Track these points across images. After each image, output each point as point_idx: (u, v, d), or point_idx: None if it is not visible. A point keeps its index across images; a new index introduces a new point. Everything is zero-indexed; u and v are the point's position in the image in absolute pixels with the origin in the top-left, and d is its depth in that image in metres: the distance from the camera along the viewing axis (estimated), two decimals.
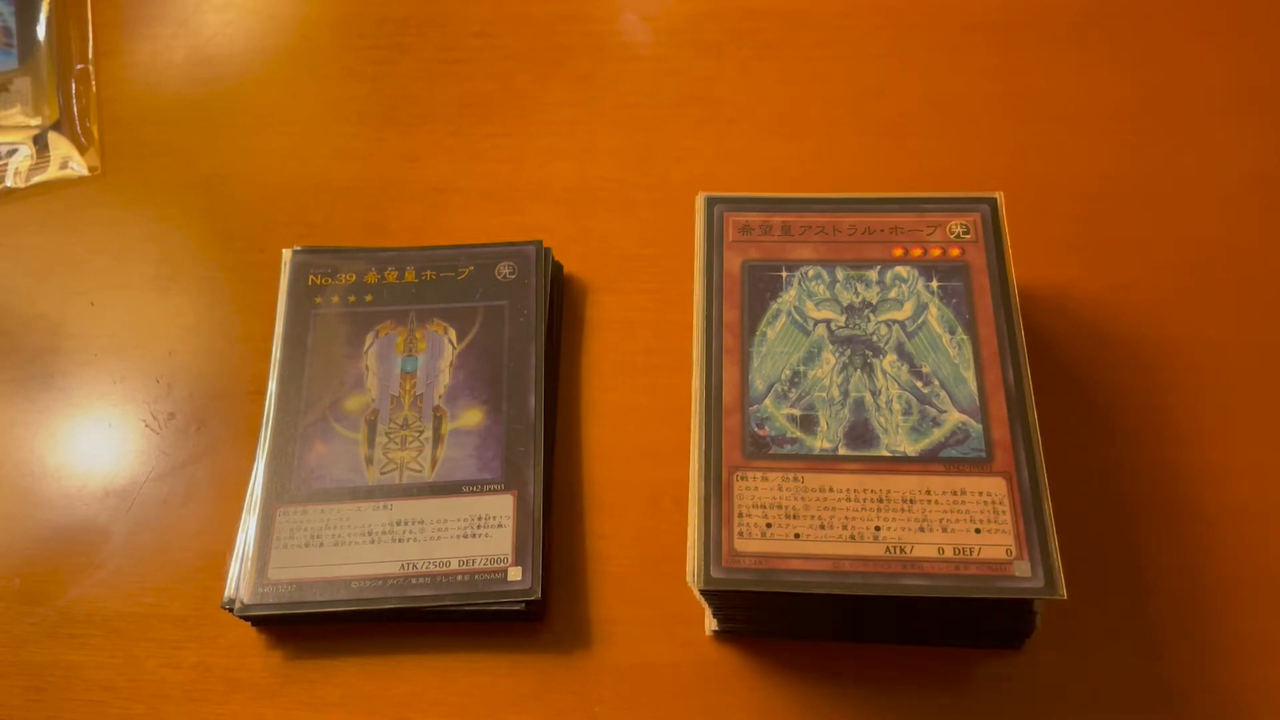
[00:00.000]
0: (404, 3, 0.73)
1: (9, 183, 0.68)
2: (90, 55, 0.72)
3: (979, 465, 0.46)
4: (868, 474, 0.46)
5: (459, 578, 0.51)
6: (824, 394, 0.49)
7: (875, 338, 0.50)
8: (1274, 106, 0.64)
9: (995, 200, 0.53)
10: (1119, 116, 0.64)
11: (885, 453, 0.47)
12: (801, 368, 0.49)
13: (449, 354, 0.57)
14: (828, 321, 0.50)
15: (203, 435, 0.59)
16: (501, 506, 0.53)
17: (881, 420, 0.48)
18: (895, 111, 0.66)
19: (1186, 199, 0.61)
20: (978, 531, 0.45)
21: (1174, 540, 0.52)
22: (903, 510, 0.45)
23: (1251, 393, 0.55)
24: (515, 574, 0.51)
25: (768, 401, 0.48)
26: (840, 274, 0.52)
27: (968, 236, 0.52)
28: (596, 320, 0.61)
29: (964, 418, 0.47)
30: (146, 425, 0.60)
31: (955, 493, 0.46)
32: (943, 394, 0.48)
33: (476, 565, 0.52)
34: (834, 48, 0.68)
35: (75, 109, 0.70)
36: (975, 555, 0.44)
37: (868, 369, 0.49)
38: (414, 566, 0.52)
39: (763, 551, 0.45)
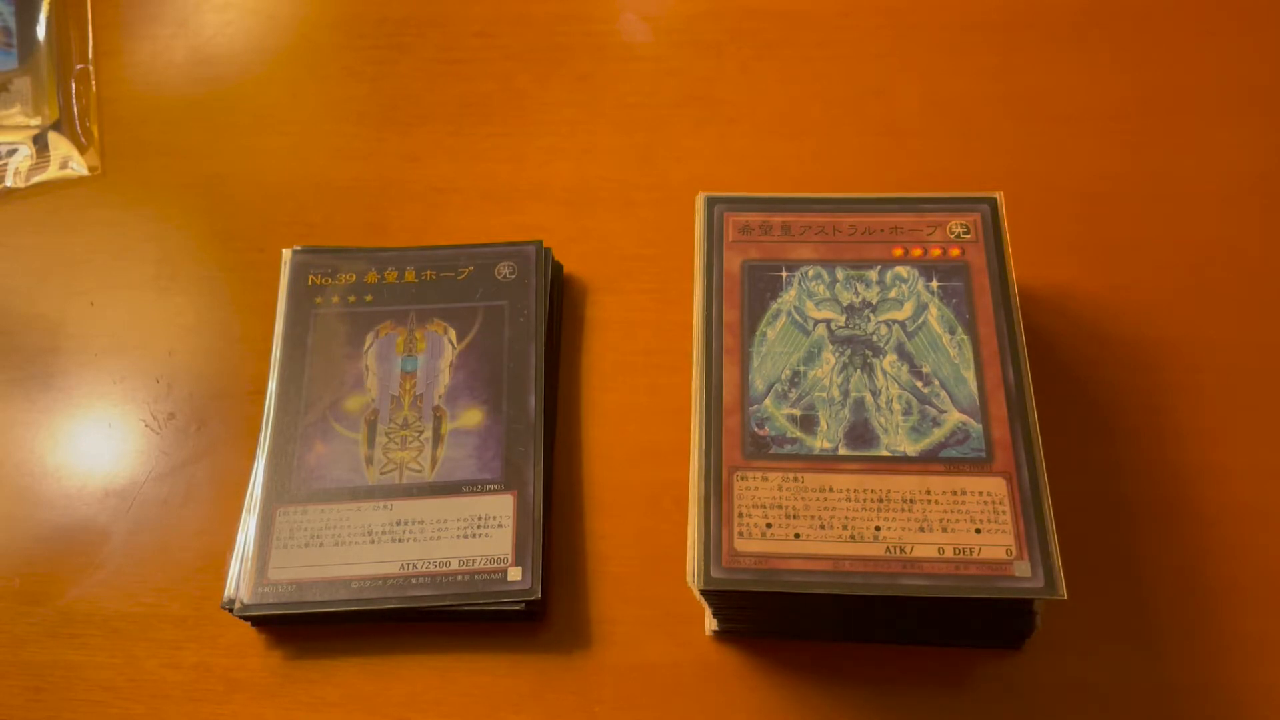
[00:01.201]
0: (404, 3, 0.73)
1: (9, 183, 0.68)
2: (90, 55, 0.72)
3: (979, 465, 0.46)
4: (868, 474, 0.46)
5: (459, 578, 0.51)
6: (824, 394, 0.49)
7: (875, 338, 0.50)
8: (1274, 106, 0.64)
9: (995, 200, 0.53)
10: (1119, 116, 0.64)
11: (885, 453, 0.47)
12: (801, 368, 0.49)
13: (449, 354, 0.57)
14: (828, 321, 0.50)
15: (203, 435, 0.59)
16: (501, 506, 0.53)
17: (881, 420, 0.48)
18: (895, 111, 0.66)
19: (1186, 199, 0.61)
20: (978, 531, 0.45)
21: (1174, 540, 0.52)
22: (903, 510, 0.45)
23: (1251, 393, 0.55)
24: (515, 574, 0.51)
25: (768, 401, 0.48)
26: (840, 274, 0.52)
27: (968, 236, 0.52)
28: (596, 320, 0.61)
29: (964, 418, 0.47)
30: (146, 425, 0.60)
31: (955, 493, 0.46)
32: (943, 394, 0.48)
33: (476, 565, 0.52)
34: (834, 48, 0.68)
35: (75, 109, 0.70)
36: (975, 555, 0.44)
37: (868, 369, 0.49)
38: (414, 566, 0.52)
39: (763, 551, 0.45)
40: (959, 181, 0.61)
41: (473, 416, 0.56)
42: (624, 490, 0.55)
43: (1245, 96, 0.64)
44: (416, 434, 0.55)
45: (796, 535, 0.45)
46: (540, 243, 0.60)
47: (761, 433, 0.48)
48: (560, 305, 0.61)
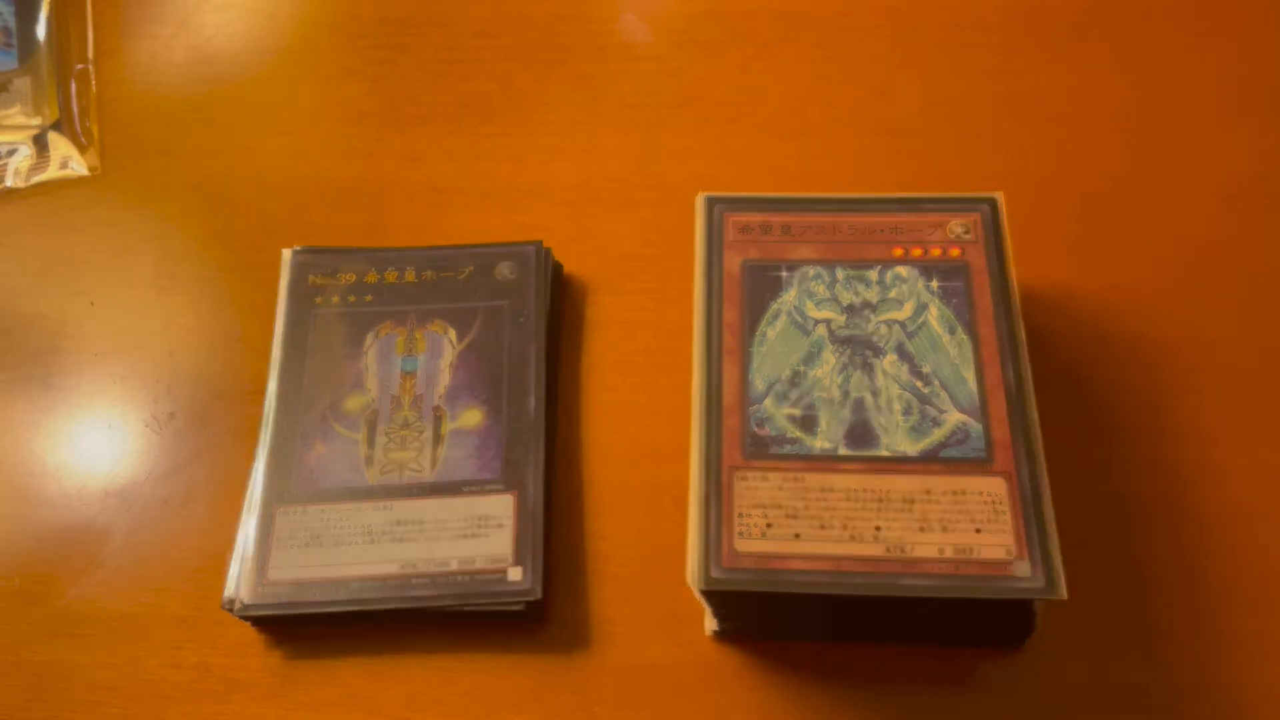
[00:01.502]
0: (404, 3, 0.73)
1: (9, 183, 0.68)
2: (90, 55, 0.72)
3: (979, 465, 0.46)
4: (868, 474, 0.46)
5: (459, 578, 0.51)
6: (824, 394, 0.49)
7: (875, 338, 0.50)
8: (1274, 106, 0.64)
9: (995, 200, 0.53)
10: (1119, 116, 0.64)
11: (885, 453, 0.47)
12: (801, 368, 0.49)
13: (449, 354, 0.57)
14: (828, 321, 0.50)
15: (203, 435, 0.59)
16: (501, 506, 0.53)
17: (881, 420, 0.48)
18: (895, 111, 0.66)
19: (1186, 199, 0.61)
20: (978, 531, 0.45)
21: (1174, 540, 0.52)
22: (903, 510, 0.45)
23: (1251, 393, 0.55)
24: (515, 574, 0.51)
25: (768, 401, 0.48)
26: (840, 274, 0.52)
27: (968, 236, 0.52)
28: (596, 320, 0.61)
29: (964, 417, 0.47)
30: (146, 425, 0.60)
31: (955, 493, 0.46)
32: (943, 394, 0.48)
33: (476, 565, 0.52)
34: (834, 48, 0.68)
35: (75, 109, 0.70)
36: (975, 555, 0.44)
37: (868, 369, 0.49)
38: (414, 566, 0.52)
39: (763, 551, 0.45)
40: (959, 181, 0.61)
41: (473, 416, 0.56)
42: (624, 490, 0.55)
43: (1245, 96, 0.64)
44: (416, 434, 0.55)
45: (796, 535, 0.45)
46: (540, 243, 0.60)
47: (761, 432, 0.48)
48: (560, 305, 0.61)
